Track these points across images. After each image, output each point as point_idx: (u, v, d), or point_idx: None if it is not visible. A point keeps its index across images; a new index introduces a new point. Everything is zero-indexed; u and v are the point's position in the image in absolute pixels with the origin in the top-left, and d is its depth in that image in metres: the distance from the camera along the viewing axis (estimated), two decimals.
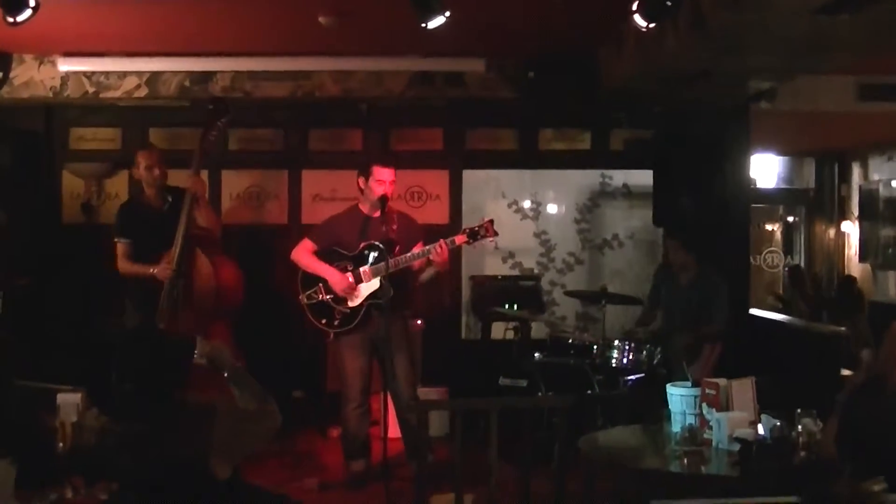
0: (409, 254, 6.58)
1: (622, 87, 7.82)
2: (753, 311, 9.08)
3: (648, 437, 5.18)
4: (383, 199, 6.63)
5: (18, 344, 7.25)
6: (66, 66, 8.26)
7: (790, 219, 14.02)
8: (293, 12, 6.96)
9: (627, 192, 9.51)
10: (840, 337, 8.05)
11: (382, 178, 6.71)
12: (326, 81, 8.40)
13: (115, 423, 4.20)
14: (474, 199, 9.31)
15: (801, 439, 4.52)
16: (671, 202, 8.13)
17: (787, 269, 13.19)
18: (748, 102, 8.24)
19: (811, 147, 12.75)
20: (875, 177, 12.26)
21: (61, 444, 4.34)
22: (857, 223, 12.57)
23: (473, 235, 6.60)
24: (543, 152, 9.29)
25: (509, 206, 9.48)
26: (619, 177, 9.49)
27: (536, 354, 7.57)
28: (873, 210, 12.10)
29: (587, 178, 9.52)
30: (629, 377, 7.21)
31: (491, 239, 6.73)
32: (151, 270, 6.84)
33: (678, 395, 4.99)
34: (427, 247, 6.57)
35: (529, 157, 9.29)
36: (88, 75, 8.34)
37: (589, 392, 7.16)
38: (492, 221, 6.65)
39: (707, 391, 4.90)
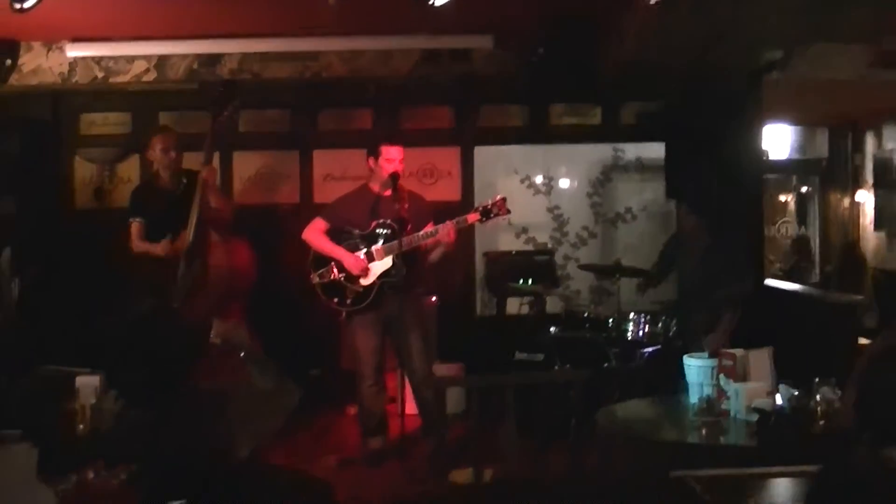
0: (420, 232, 6.58)
1: (632, 59, 7.78)
2: (769, 282, 9.04)
3: (666, 409, 5.18)
4: (394, 178, 6.63)
5: (35, 329, 7.30)
6: (74, 51, 8.24)
7: (804, 189, 13.94)
8: None
9: (640, 166, 9.46)
10: (856, 305, 8.03)
11: (391, 157, 6.71)
12: (334, 62, 8.36)
13: (131, 406, 4.22)
14: (486, 175, 9.29)
15: (819, 408, 4.51)
16: (684, 174, 8.09)
17: (790, 239, 13.18)
18: (760, 72, 8.19)
19: (824, 116, 12.67)
20: (889, 145, 12.17)
21: (81, 427, 4.36)
22: (871, 192, 12.50)
23: (486, 213, 6.60)
24: (554, 127, 9.29)
25: (522, 181, 9.45)
26: (631, 150, 9.44)
27: (552, 329, 7.57)
28: (888, 179, 12.03)
29: (599, 152, 9.48)
30: (645, 350, 7.21)
31: (504, 216, 6.72)
32: (163, 250, 6.87)
33: (695, 367, 4.98)
34: (437, 226, 6.57)
35: (540, 133, 9.28)
36: (97, 60, 8.32)
37: (605, 365, 7.16)
38: (504, 199, 6.65)
39: (724, 362, 4.88)
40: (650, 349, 7.19)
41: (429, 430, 6.83)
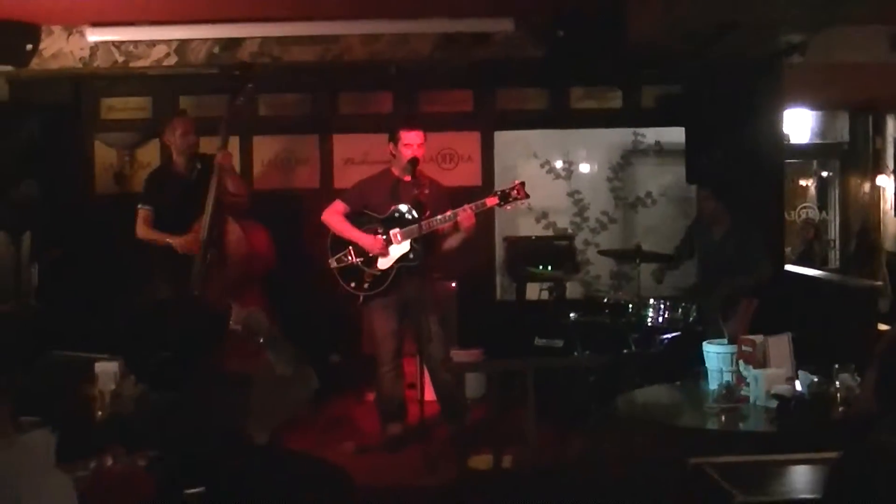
0: (439, 216, 6.58)
1: (651, 42, 7.73)
2: (789, 267, 9.01)
3: (685, 394, 5.18)
4: (413, 162, 6.62)
5: (55, 314, 7.33)
6: (94, 36, 8.24)
7: (824, 173, 13.89)
8: None
9: (660, 150, 9.42)
10: (875, 291, 8.00)
11: (410, 142, 6.71)
12: (354, 45, 8.34)
13: (152, 391, 4.23)
14: (506, 159, 9.26)
15: (839, 394, 4.50)
16: (704, 159, 8.06)
17: (802, 223, 13.16)
18: (780, 56, 8.14)
19: (844, 100, 12.58)
20: None
21: (100, 413, 4.37)
22: (892, 177, 12.44)
23: (504, 198, 6.60)
24: (574, 111, 9.25)
25: (541, 165, 9.41)
26: (651, 134, 9.40)
27: (572, 314, 7.55)
28: None
29: (619, 137, 9.44)
30: (665, 335, 7.19)
31: (522, 201, 6.71)
32: (170, 241, 6.88)
33: (715, 353, 4.97)
34: (456, 210, 6.56)
35: (560, 117, 9.24)
36: (117, 45, 8.31)
37: (625, 351, 7.14)
38: (523, 183, 6.64)
39: (744, 348, 4.88)
40: (670, 335, 7.17)
41: (447, 416, 6.83)
